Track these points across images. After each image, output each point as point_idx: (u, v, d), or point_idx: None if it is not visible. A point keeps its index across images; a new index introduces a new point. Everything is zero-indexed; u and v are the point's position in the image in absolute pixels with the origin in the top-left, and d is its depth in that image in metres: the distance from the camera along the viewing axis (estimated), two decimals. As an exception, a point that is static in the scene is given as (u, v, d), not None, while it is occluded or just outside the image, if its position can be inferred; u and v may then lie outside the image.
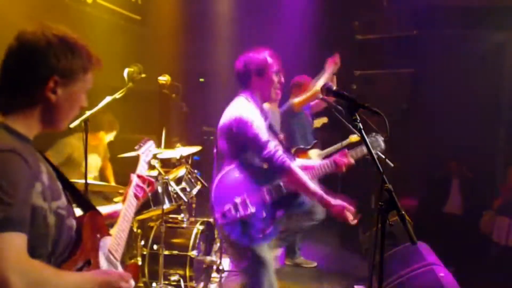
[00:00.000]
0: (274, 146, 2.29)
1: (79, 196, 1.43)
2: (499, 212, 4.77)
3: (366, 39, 5.55)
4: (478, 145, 5.39)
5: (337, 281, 4.23)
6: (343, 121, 3.44)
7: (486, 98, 5.34)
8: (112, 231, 1.50)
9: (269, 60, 2.48)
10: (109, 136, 4.11)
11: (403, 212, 1.52)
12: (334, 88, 1.90)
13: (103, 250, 1.38)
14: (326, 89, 1.89)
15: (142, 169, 1.89)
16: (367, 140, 1.73)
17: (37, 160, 1.22)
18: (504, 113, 5.61)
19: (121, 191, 3.81)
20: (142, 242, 3.57)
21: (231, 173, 2.35)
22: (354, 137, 4.37)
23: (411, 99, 5.50)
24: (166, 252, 3.38)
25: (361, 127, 1.73)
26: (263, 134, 2.31)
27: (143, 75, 3.00)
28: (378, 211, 1.55)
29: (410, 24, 5.34)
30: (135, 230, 3.70)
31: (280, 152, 2.29)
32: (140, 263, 3.53)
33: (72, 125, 2.57)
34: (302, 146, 4.16)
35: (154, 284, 3.43)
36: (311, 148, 4.21)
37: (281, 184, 2.36)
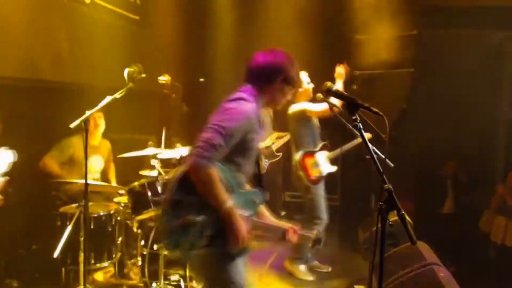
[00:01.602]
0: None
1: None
2: (497, 212, 4.79)
3: (366, 39, 5.55)
4: (478, 145, 5.39)
5: (337, 281, 4.23)
6: (343, 121, 3.45)
7: (486, 98, 5.34)
8: None
9: (298, 74, 2.27)
10: (102, 122, 4.09)
11: (403, 212, 1.52)
12: (334, 88, 1.89)
13: None
14: (326, 90, 1.89)
15: None
16: (367, 140, 1.73)
17: None
18: (504, 113, 5.61)
19: (121, 191, 3.82)
20: (142, 242, 3.57)
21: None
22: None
23: (411, 99, 5.50)
24: (166, 252, 3.38)
25: (361, 127, 1.73)
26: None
27: (143, 75, 3.00)
28: (378, 211, 1.55)
29: (410, 24, 5.33)
30: (135, 230, 3.70)
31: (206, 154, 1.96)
32: (140, 263, 3.53)
33: (72, 125, 2.57)
34: (310, 149, 4.21)
35: (154, 284, 3.43)
36: (320, 150, 4.26)
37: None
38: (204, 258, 2.04)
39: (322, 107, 4.03)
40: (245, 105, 2.06)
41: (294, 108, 4.20)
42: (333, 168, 4.32)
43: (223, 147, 1.98)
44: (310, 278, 4.29)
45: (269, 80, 2.17)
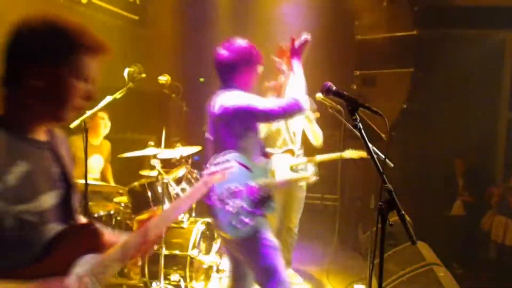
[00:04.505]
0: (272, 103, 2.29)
1: (84, 205, 1.38)
2: (497, 212, 4.80)
3: (366, 39, 5.55)
4: (478, 145, 5.39)
5: (337, 281, 4.23)
6: (343, 121, 3.44)
7: (486, 98, 5.35)
8: (108, 251, 1.34)
9: (255, 50, 2.47)
10: (107, 123, 4.09)
11: (403, 212, 1.51)
12: (334, 88, 1.89)
13: (80, 268, 1.24)
14: (326, 89, 1.88)
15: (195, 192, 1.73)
16: (367, 140, 1.72)
17: (14, 157, 1.14)
18: (504, 113, 5.61)
19: (120, 191, 3.82)
20: (142, 242, 3.57)
21: (236, 159, 2.24)
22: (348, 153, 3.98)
23: (411, 99, 5.50)
24: (166, 252, 3.38)
25: (361, 127, 1.73)
26: (262, 102, 2.30)
27: (143, 75, 3.00)
28: (378, 211, 1.55)
29: (410, 24, 5.33)
30: (135, 230, 3.70)
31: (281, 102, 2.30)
32: (140, 263, 3.53)
33: (72, 125, 2.57)
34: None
35: (154, 284, 3.43)
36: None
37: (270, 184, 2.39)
38: None
39: None
40: None
41: None
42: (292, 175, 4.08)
43: None
44: (300, 279, 4.23)
45: (236, 68, 2.46)
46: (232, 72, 2.44)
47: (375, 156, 1.64)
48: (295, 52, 2.48)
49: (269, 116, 2.32)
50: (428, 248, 3.49)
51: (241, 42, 2.47)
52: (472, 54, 5.16)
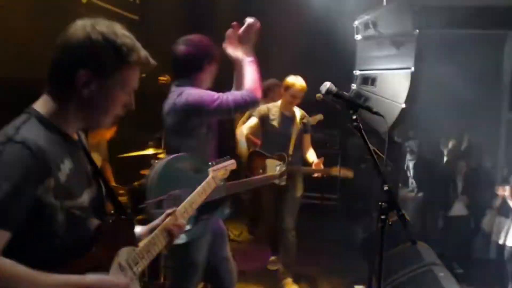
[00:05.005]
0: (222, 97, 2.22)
1: (115, 200, 1.42)
2: (499, 213, 4.79)
3: (366, 39, 5.54)
4: (479, 146, 5.39)
5: (337, 281, 4.23)
6: (343, 121, 3.44)
7: (486, 98, 5.34)
8: (141, 243, 1.42)
9: (214, 47, 2.39)
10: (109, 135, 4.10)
11: (403, 212, 1.52)
12: (334, 88, 1.89)
13: (120, 259, 1.30)
14: (326, 90, 1.89)
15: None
16: (367, 140, 1.73)
17: (61, 155, 1.19)
18: (504, 113, 5.61)
19: (121, 191, 3.81)
20: (142, 242, 3.56)
21: (175, 162, 2.17)
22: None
23: (411, 99, 5.50)
24: (166, 252, 3.38)
25: (361, 127, 1.73)
26: (211, 95, 2.23)
27: (143, 75, 2.99)
28: (378, 211, 1.55)
29: (410, 24, 5.33)
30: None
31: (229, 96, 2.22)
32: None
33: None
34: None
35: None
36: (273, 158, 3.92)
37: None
38: None
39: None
40: None
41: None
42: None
43: None
44: None
45: (200, 64, 2.42)
46: (196, 68, 2.36)
47: (375, 156, 1.65)
48: (240, 40, 2.35)
49: (220, 110, 2.21)
50: (428, 248, 3.48)
51: (204, 38, 2.42)
52: (472, 54, 5.16)
